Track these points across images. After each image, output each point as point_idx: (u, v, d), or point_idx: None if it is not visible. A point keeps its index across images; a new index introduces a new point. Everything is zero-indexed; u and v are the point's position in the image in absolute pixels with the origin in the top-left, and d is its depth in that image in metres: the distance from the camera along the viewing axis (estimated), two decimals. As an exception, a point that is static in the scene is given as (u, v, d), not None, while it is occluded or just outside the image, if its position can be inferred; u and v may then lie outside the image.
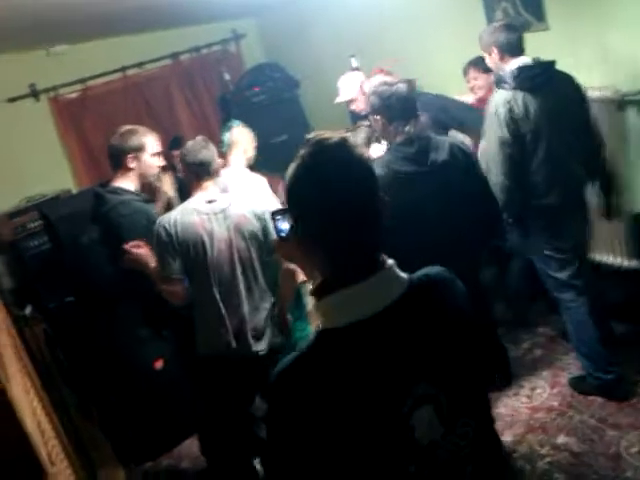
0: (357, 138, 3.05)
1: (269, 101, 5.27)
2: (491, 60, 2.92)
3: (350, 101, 3.71)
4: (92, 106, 5.07)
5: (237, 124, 3.71)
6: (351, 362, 1.01)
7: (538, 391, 3.19)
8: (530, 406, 3.09)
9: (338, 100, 3.77)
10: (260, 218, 2.64)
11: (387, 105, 2.30)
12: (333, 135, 1.07)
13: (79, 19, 3.77)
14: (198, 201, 2.62)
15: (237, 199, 2.70)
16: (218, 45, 5.69)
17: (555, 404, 3.05)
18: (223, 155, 3.46)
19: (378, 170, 1.20)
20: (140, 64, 5.19)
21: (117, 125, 5.05)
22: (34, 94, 4.82)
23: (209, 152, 2.64)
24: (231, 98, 5.39)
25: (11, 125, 4.66)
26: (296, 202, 1.08)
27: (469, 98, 3.70)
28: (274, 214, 1.47)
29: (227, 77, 5.57)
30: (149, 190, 3.10)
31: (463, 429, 1.07)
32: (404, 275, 1.10)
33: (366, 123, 3.63)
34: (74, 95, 5.00)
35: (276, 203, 3.05)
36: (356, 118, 3.83)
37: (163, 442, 3.43)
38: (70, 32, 4.34)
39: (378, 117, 2.35)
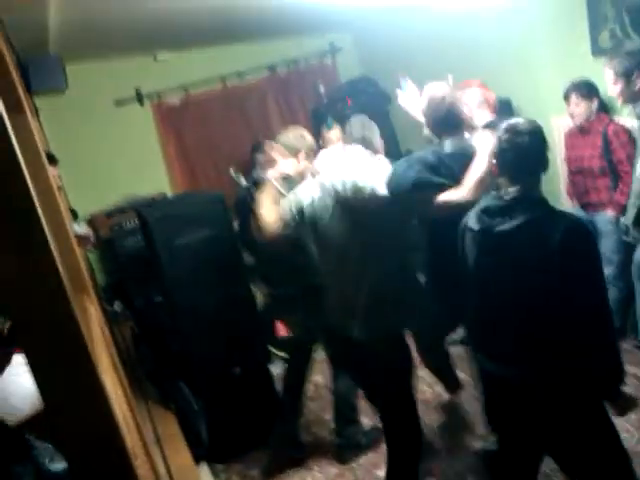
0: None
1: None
2: None
3: None
4: (192, 113, 5.28)
5: None
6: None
7: (624, 435, 2.95)
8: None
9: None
10: None
11: (499, 156, 2.08)
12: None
13: (184, 24, 3.94)
14: None
15: None
16: (315, 58, 5.79)
17: (644, 450, 2.84)
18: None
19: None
20: (239, 74, 5.35)
21: (214, 134, 5.35)
22: (139, 98, 5.06)
23: None
24: (324, 111, 5.45)
25: (116, 127, 4.92)
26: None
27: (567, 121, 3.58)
28: None
29: (322, 89, 5.64)
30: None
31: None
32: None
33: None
34: (176, 101, 5.21)
35: None
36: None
37: (236, 447, 3.47)
38: (173, 39, 4.54)
39: (495, 162, 2.12)
